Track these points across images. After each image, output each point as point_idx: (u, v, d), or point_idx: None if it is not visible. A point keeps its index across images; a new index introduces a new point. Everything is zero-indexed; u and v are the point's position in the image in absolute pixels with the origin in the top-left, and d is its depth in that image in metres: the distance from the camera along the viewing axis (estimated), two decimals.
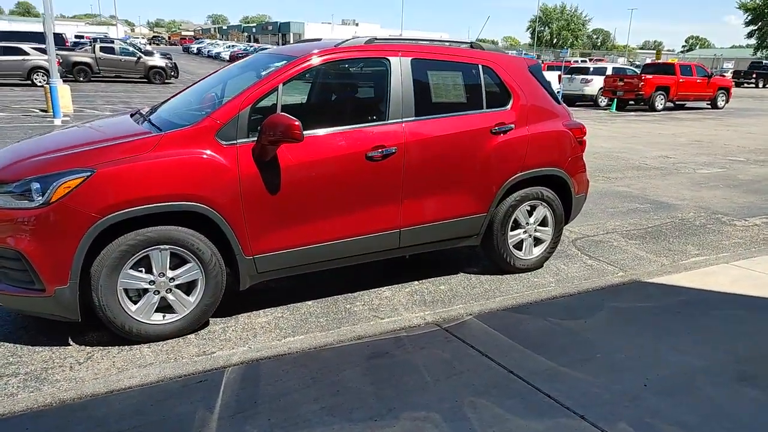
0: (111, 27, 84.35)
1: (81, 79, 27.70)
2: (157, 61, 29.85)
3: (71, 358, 3.48)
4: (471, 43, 4.87)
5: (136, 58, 29.09)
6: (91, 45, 29.83)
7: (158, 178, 3.51)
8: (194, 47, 69.94)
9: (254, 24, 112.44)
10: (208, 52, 61.79)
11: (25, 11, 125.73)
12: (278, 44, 61.03)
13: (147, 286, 3.61)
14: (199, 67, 43.30)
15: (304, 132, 3.84)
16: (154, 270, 3.60)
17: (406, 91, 4.29)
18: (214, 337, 3.78)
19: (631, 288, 4.75)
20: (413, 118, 4.29)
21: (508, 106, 4.71)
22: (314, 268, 4.16)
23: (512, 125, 4.67)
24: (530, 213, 4.95)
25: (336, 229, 4.08)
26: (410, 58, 4.36)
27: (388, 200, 4.23)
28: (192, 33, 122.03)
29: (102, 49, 28.71)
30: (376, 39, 4.40)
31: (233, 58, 49.01)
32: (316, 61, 4.09)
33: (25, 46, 24.99)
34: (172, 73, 30.24)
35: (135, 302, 3.63)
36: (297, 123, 3.64)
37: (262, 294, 4.41)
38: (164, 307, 3.72)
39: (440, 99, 4.55)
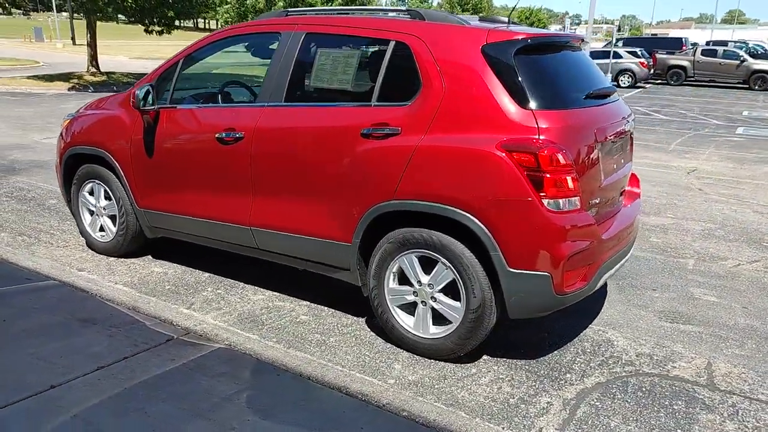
0: None
1: (672, 82, 27.47)
2: (763, 64, 26.30)
3: (64, 242, 5.01)
4: (409, 10, 3.42)
5: (738, 62, 26.49)
6: (692, 48, 28.87)
7: (87, 127, 4.57)
8: None
9: None
10: None
11: (732, 18, 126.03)
12: None
13: (92, 209, 4.74)
14: None
15: (181, 106, 4.06)
16: (94, 199, 4.68)
17: (281, 72, 3.64)
18: (109, 264, 4.57)
19: None
20: (279, 104, 3.63)
21: (409, 102, 3.19)
22: (200, 241, 4.22)
23: (398, 129, 3.17)
24: (428, 269, 3.22)
25: (196, 207, 4.06)
26: (304, 33, 3.63)
27: (239, 191, 3.81)
28: None
29: (703, 52, 27.47)
30: (290, 11, 3.83)
31: None
32: (215, 38, 4.04)
33: (621, 50, 26.58)
34: None
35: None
36: (133, 92, 3.92)
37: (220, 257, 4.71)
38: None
39: (321, 84, 3.54)
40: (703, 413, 2.90)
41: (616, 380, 3.17)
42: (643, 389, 3.09)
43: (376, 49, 3.41)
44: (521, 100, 2.95)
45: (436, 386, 3.06)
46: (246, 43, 4.09)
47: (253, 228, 3.78)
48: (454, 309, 3.17)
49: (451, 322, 3.19)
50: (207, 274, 4.42)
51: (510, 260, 2.93)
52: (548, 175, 2.84)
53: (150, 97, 4.01)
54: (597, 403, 2.95)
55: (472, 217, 2.95)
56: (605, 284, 4.40)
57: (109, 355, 3.21)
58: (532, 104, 2.94)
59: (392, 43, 3.30)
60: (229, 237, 3.97)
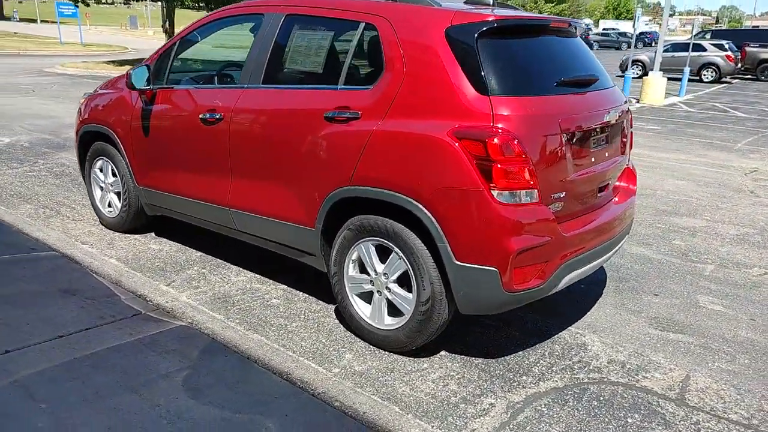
0: None
1: (762, 77, 25.61)
2: None
3: (80, 216, 5.25)
4: None
5: None
6: None
7: (98, 106, 4.73)
8: None
9: None
10: None
11: None
12: None
13: (102, 185, 4.93)
14: None
15: (177, 86, 4.14)
16: (103, 175, 4.87)
17: (260, 53, 3.64)
18: (112, 239, 4.74)
19: None
20: (257, 85, 3.63)
21: (372, 86, 3.09)
22: (190, 221, 4.30)
23: (358, 112, 3.08)
24: (385, 258, 3.13)
25: (184, 186, 4.14)
26: (284, 14, 3.60)
27: (219, 172, 3.85)
28: None
29: None
30: None
31: None
32: (207, 20, 4.08)
33: (705, 43, 24.92)
34: None
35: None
36: (127, 72, 4.02)
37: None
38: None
39: (296, 66, 3.52)
40: (658, 429, 2.66)
41: (575, 387, 2.96)
42: (601, 398, 2.88)
43: (348, 31, 3.33)
44: (480, 86, 2.79)
45: (380, 379, 2.98)
46: (237, 25, 4.10)
47: (232, 209, 3.81)
48: (406, 300, 3.06)
49: (404, 314, 3.10)
50: (199, 254, 4.51)
51: (457, 253, 2.79)
52: (498, 165, 2.68)
53: (146, 77, 4.11)
54: (543, 409, 2.77)
55: (420, 206, 2.84)
56: (602, 284, 4.16)
57: (72, 325, 3.32)
58: (491, 90, 2.78)
59: (362, 25, 3.21)
60: (212, 217, 4.03)
